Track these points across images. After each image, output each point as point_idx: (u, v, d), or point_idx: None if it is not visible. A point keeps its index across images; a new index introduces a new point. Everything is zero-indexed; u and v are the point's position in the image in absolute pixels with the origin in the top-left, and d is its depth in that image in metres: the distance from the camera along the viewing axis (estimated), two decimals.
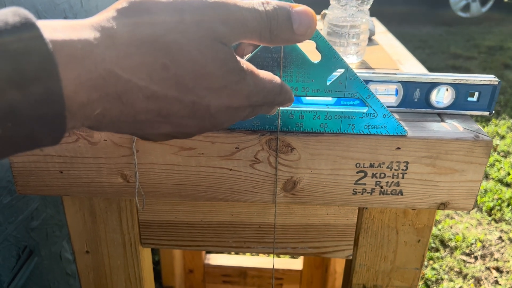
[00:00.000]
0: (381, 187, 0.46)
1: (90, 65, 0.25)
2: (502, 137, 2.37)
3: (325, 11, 0.75)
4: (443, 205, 0.47)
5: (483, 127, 2.45)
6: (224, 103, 0.30)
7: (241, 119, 0.33)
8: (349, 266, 0.56)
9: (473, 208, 0.47)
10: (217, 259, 1.27)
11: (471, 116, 0.49)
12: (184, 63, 0.27)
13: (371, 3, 0.62)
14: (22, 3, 0.73)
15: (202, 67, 0.28)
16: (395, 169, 0.45)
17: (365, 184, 0.46)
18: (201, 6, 0.28)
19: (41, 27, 0.23)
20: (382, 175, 0.45)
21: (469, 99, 0.48)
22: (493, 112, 0.48)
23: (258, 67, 0.40)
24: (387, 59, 0.67)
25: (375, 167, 0.45)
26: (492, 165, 2.13)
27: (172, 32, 0.27)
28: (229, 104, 0.31)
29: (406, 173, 0.45)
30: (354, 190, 0.46)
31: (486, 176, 2.05)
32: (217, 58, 0.28)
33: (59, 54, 0.23)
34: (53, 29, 0.24)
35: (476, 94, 0.47)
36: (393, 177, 0.45)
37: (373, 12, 0.79)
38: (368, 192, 0.46)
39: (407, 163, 0.45)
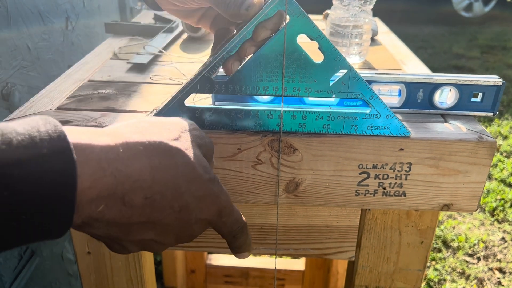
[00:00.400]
0: (384, 188, 0.46)
1: (104, 165, 0.27)
2: (505, 137, 2.36)
3: (327, 11, 0.75)
4: (446, 207, 0.47)
5: (486, 127, 2.44)
6: (203, 214, 0.33)
7: (197, 235, 0.35)
8: (352, 268, 0.56)
9: (476, 210, 0.47)
10: (219, 260, 1.27)
11: (475, 116, 0.49)
12: (180, 165, 0.31)
13: (374, 3, 0.62)
14: (24, 4, 0.73)
15: (193, 169, 0.32)
16: (398, 170, 0.45)
17: (368, 185, 0.46)
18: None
19: (67, 132, 0.26)
20: (385, 176, 0.45)
21: (473, 99, 0.47)
22: (497, 113, 0.48)
23: (260, 67, 0.40)
24: (390, 59, 0.67)
25: (378, 168, 0.45)
26: (495, 165, 2.12)
27: (170, 140, 0.32)
28: (206, 217, 0.33)
29: (409, 174, 0.45)
30: (357, 191, 0.46)
31: (489, 177, 2.04)
32: (201, 164, 0.33)
33: (79, 154, 0.26)
34: (76, 135, 0.27)
35: (480, 94, 0.47)
36: (396, 178, 0.45)
37: (374, 11, 0.79)
38: (371, 193, 0.46)
39: (410, 164, 0.44)
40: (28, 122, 0.25)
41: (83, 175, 0.26)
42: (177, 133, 0.33)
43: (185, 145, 0.32)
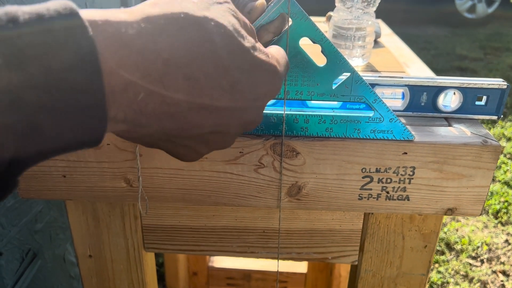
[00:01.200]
0: (387, 192, 0.45)
1: (127, 40, 0.24)
2: (509, 139, 2.35)
3: (330, 13, 0.75)
4: (450, 211, 0.46)
5: (489, 129, 2.43)
6: (259, 88, 0.30)
7: (262, 113, 0.32)
8: (355, 272, 0.55)
9: (480, 214, 0.46)
10: (221, 262, 1.27)
11: (479, 120, 0.48)
12: (216, 35, 0.27)
13: (377, 5, 0.61)
14: (24, 4, 0.73)
15: (231, 37, 0.28)
16: (401, 174, 0.44)
17: (371, 189, 0.45)
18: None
19: (80, 11, 0.23)
20: (389, 180, 0.45)
21: (477, 103, 0.47)
22: (501, 116, 0.47)
23: None
24: (393, 61, 0.66)
25: (382, 172, 0.44)
26: (499, 167, 2.11)
27: (199, 10, 0.27)
28: (262, 91, 0.30)
29: (413, 178, 0.44)
30: (360, 195, 0.46)
31: (493, 179, 2.03)
32: (239, 33, 0.29)
33: (96, 30, 0.23)
34: (89, 12, 0.24)
35: (484, 98, 0.47)
36: (399, 182, 0.45)
37: (377, 12, 0.79)
38: (374, 197, 0.46)
39: (414, 168, 0.44)
40: (34, 6, 0.22)
41: (105, 52, 0.23)
42: (204, 4, 0.28)
43: (216, 14, 0.28)
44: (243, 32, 0.29)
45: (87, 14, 0.23)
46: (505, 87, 0.46)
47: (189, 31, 0.26)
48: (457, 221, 1.78)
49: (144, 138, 0.29)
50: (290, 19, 0.38)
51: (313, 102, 0.45)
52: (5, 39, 0.20)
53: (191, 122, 0.28)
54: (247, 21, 0.32)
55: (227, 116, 0.29)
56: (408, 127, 0.44)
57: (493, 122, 2.49)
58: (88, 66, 0.22)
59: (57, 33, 0.21)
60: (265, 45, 0.40)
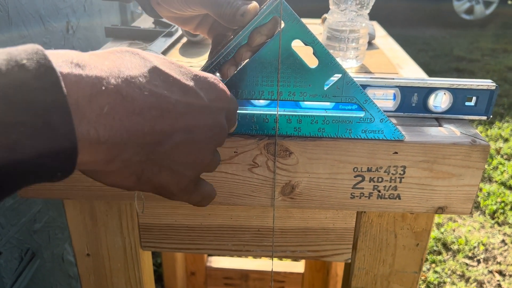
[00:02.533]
0: (379, 191, 0.46)
1: (80, 61, 0.26)
2: (506, 140, 2.36)
3: (325, 15, 0.76)
4: (440, 209, 0.47)
5: (486, 130, 2.44)
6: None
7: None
8: (348, 270, 0.56)
9: (471, 213, 0.47)
10: (219, 262, 1.28)
11: (471, 120, 0.49)
12: (152, 56, 0.30)
13: (371, 7, 0.62)
14: (25, 8, 0.74)
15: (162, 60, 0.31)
16: (392, 174, 0.45)
17: (363, 188, 0.46)
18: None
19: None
20: (380, 179, 0.46)
21: (467, 103, 0.48)
22: (491, 116, 0.48)
23: (256, 72, 0.41)
24: (386, 63, 0.67)
25: (373, 171, 0.45)
26: (496, 168, 2.12)
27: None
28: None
29: (403, 177, 0.45)
30: (352, 194, 0.47)
31: (489, 179, 2.05)
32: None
33: (53, 57, 0.24)
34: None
35: (474, 98, 0.48)
36: (390, 181, 0.46)
37: (374, 14, 0.80)
38: (366, 196, 0.47)
39: (405, 167, 0.45)
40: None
41: (62, 70, 0.24)
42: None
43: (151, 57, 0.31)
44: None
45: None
46: (493, 88, 0.47)
47: (129, 54, 0.29)
48: (454, 221, 1.79)
49: (125, 168, 0.29)
50: (282, 21, 0.39)
51: (306, 103, 0.46)
52: None
53: (160, 130, 0.29)
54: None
55: (194, 117, 0.31)
56: (399, 127, 0.45)
57: (491, 123, 2.50)
58: (46, 78, 0.23)
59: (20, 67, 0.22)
60: (258, 47, 0.41)
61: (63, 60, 0.25)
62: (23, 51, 0.23)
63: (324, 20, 0.81)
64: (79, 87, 0.25)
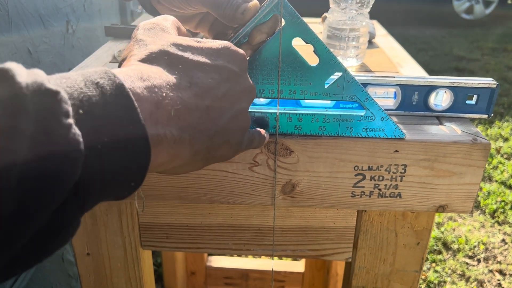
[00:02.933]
0: (380, 190, 0.46)
1: (139, 73, 0.29)
2: (506, 139, 2.36)
3: (325, 14, 0.76)
4: (441, 208, 0.47)
5: (486, 129, 2.44)
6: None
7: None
8: (349, 269, 0.56)
9: (471, 211, 0.47)
10: (219, 262, 1.28)
11: (472, 119, 0.49)
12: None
13: (371, 6, 0.62)
14: (25, 7, 0.73)
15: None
16: (393, 172, 0.45)
17: (363, 186, 0.46)
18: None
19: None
20: (381, 178, 0.46)
21: (468, 102, 0.48)
22: (492, 115, 0.48)
23: (256, 70, 0.41)
24: (387, 62, 0.67)
25: (374, 170, 0.45)
26: (496, 167, 2.12)
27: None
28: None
29: (404, 176, 0.45)
30: (353, 192, 0.47)
31: (489, 179, 2.05)
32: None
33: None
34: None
35: (475, 97, 0.48)
36: (391, 180, 0.46)
37: (374, 13, 0.80)
38: (366, 195, 0.47)
39: (405, 166, 0.45)
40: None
41: (128, 84, 0.27)
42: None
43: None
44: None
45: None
46: (494, 86, 0.47)
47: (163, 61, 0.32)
48: (454, 220, 1.79)
49: (197, 157, 0.32)
50: (282, 19, 0.39)
51: (306, 101, 0.45)
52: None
53: (215, 116, 0.32)
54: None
55: (233, 96, 0.33)
56: (400, 125, 0.45)
57: (491, 122, 2.50)
58: (121, 96, 0.25)
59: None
60: (259, 45, 0.41)
61: (128, 75, 0.28)
62: (93, 72, 0.26)
63: (324, 19, 0.81)
64: (147, 97, 0.27)
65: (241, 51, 0.35)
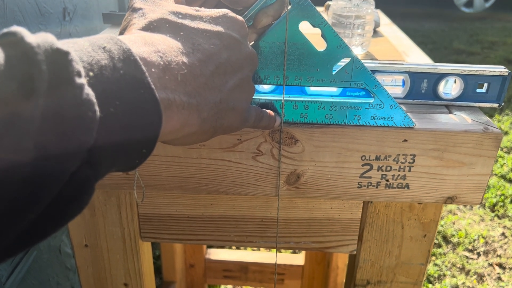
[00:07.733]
0: (387, 180, 0.45)
1: (148, 38, 0.28)
2: (506, 133, 2.35)
3: (328, 2, 0.74)
4: (450, 199, 0.46)
5: None
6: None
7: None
8: (353, 261, 0.55)
9: (481, 203, 0.46)
10: (218, 254, 1.27)
11: (481, 108, 0.48)
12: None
13: None
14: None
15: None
16: (401, 162, 0.44)
17: (370, 177, 0.45)
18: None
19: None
20: (388, 168, 0.44)
21: (478, 90, 0.46)
22: (503, 104, 0.47)
23: (262, 55, 0.39)
24: (392, 50, 0.66)
25: (381, 159, 0.44)
26: (495, 161, 2.11)
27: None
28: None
29: (413, 166, 0.44)
30: (359, 183, 0.45)
31: None
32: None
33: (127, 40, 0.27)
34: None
35: (485, 85, 0.46)
36: (399, 170, 0.44)
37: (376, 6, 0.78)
38: (373, 186, 0.45)
39: (414, 155, 0.43)
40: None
41: (135, 50, 0.26)
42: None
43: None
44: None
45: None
46: (506, 74, 0.45)
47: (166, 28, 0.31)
48: (454, 214, 1.78)
49: (205, 125, 0.32)
50: (289, 2, 0.38)
51: (312, 89, 0.44)
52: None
53: (220, 82, 0.32)
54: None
55: (236, 62, 0.33)
56: (409, 114, 0.44)
57: (490, 116, 2.49)
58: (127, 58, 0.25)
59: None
60: (264, 29, 0.39)
61: (133, 41, 0.27)
62: (99, 38, 0.25)
63: (327, 8, 0.79)
64: (153, 62, 0.27)
65: (240, 17, 0.34)
